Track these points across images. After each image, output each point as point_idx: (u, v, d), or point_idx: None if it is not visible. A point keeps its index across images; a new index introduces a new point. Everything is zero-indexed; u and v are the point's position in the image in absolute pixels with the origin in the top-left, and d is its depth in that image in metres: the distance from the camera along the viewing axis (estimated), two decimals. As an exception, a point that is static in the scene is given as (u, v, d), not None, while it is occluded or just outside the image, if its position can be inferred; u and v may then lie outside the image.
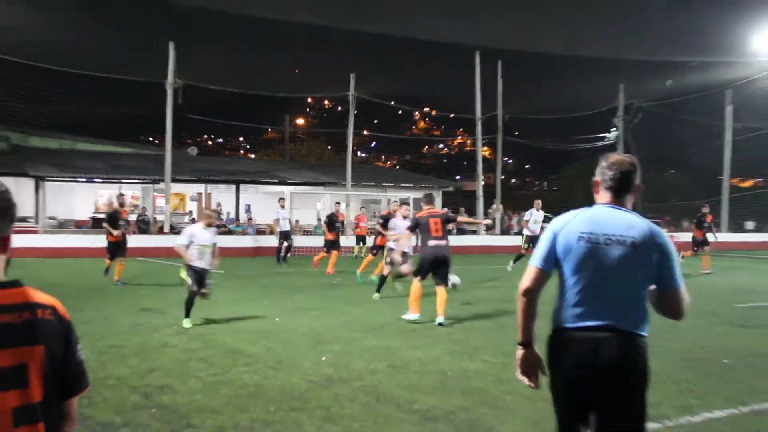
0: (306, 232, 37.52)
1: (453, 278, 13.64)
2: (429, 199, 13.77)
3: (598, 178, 3.87)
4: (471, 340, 10.94)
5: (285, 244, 27.44)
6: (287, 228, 27.71)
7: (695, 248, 24.17)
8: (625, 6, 37.65)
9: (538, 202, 23.97)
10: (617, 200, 3.80)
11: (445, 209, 15.19)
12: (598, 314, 3.62)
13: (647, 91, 50.67)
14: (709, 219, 24.68)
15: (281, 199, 29.09)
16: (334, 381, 8.31)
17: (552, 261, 3.77)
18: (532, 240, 21.86)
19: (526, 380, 3.88)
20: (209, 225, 12.74)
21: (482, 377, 8.45)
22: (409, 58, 46.29)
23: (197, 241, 12.18)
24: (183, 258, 12.21)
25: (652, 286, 3.72)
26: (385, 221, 21.00)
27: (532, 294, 3.79)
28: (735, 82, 48.09)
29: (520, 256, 22.68)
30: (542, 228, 22.27)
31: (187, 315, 11.96)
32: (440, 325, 12.11)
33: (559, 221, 3.87)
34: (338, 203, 26.82)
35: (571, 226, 3.76)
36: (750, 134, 50.61)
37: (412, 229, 13.56)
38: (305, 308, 14.79)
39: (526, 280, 3.81)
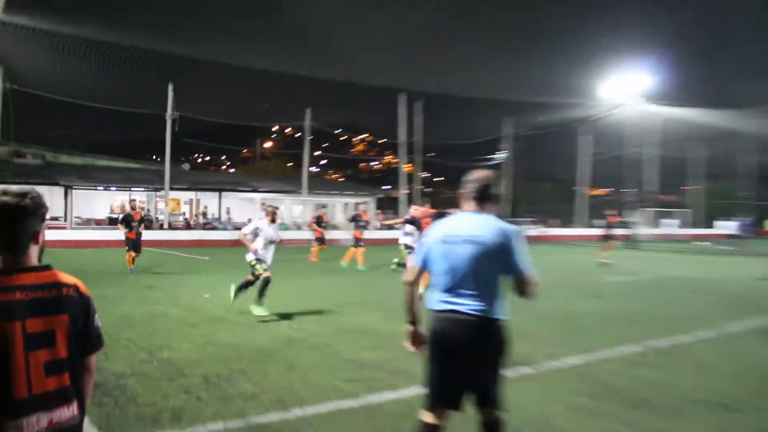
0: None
1: None
2: (426, 201, 13.17)
3: (463, 190, 3.73)
4: (399, 309, 10.91)
5: None
6: None
7: (607, 240, 23.05)
8: (510, 59, 38.38)
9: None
10: (478, 207, 3.64)
11: (438, 209, 13.21)
12: (455, 301, 3.49)
13: (527, 123, 51.53)
14: (612, 220, 23.58)
15: (263, 203, 28.54)
16: (294, 341, 8.28)
17: (426, 260, 3.68)
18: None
19: (409, 347, 3.83)
20: (273, 221, 10.46)
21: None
22: (350, 97, 46.55)
23: (263, 235, 10.24)
24: (248, 247, 10.22)
25: (509, 274, 3.53)
26: (353, 220, 21.08)
27: (411, 285, 3.74)
28: (589, 118, 49.23)
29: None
30: None
31: (260, 300, 10.14)
32: None
33: (432, 228, 3.78)
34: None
35: (438, 231, 3.66)
36: (599, 157, 52.04)
37: (407, 222, 12.93)
38: (274, 286, 14.65)
39: (407, 275, 3.77)
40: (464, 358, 3.46)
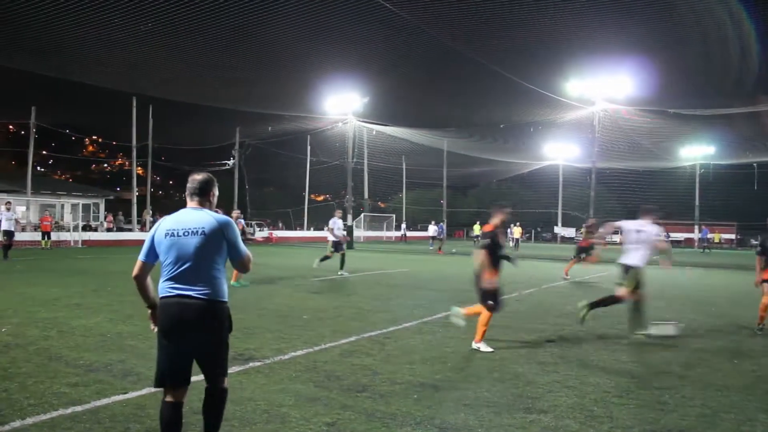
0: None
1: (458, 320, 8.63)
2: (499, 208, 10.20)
3: (186, 191, 4.01)
4: (125, 309, 10.29)
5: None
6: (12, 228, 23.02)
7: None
8: (244, 73, 38.36)
9: (340, 212, 19.95)
10: (197, 203, 3.91)
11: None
12: (181, 286, 3.70)
13: (257, 133, 51.85)
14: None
15: (8, 202, 24.18)
16: (12, 347, 7.34)
17: (152, 253, 3.85)
18: (337, 245, 18.67)
19: (152, 327, 3.95)
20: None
21: (134, 337, 7.98)
22: (81, 98, 43.03)
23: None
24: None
25: (229, 257, 3.86)
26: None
27: (139, 279, 3.90)
28: (313, 130, 50.85)
29: (326, 257, 18.76)
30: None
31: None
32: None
33: (157, 224, 3.94)
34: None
35: (163, 226, 3.83)
36: (322, 165, 54.00)
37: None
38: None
39: (135, 270, 3.89)
40: (193, 337, 3.68)
